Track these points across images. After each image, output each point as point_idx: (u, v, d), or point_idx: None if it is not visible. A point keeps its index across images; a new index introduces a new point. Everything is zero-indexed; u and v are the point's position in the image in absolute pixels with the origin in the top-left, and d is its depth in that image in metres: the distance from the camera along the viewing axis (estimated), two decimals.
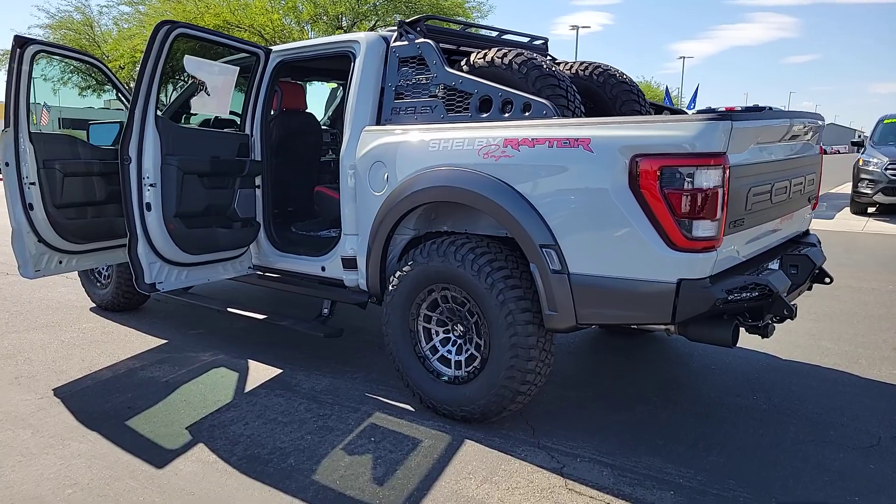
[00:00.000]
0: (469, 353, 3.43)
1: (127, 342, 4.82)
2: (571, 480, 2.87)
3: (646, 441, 3.24)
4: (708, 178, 2.65)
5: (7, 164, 4.09)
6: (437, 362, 3.54)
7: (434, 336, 3.57)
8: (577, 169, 2.93)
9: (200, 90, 3.95)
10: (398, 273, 3.56)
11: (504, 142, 3.16)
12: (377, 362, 4.38)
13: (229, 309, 4.63)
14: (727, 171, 2.67)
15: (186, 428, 3.39)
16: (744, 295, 2.82)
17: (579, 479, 2.88)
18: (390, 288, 3.61)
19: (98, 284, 5.65)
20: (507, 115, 3.35)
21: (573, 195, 2.95)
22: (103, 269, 5.57)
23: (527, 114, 3.29)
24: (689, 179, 2.67)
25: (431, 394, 3.49)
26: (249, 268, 4.66)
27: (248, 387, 3.97)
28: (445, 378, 3.46)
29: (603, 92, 4.18)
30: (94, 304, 5.77)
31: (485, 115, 3.43)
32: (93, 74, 23.27)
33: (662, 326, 3.01)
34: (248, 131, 4.43)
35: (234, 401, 3.75)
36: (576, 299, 2.98)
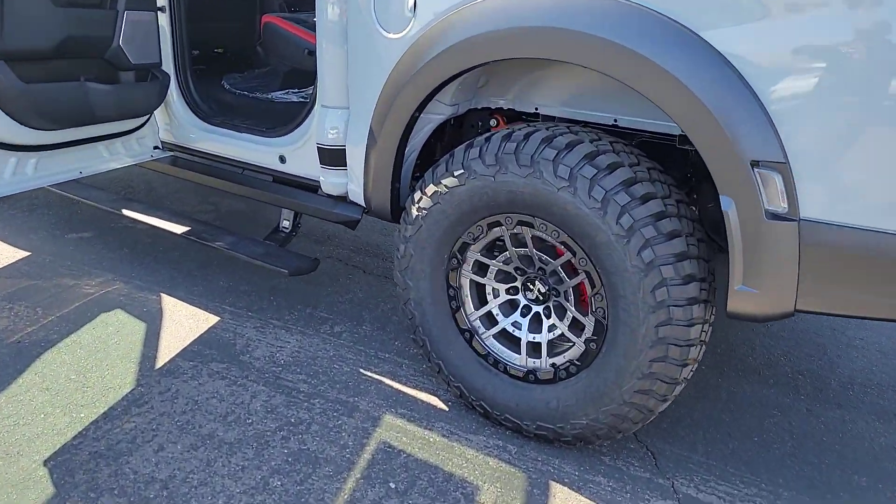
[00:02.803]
0: (556, 331, 2.06)
1: None
2: None
3: (839, 483, 2.06)
4: None
5: None
6: (495, 341, 2.16)
7: (491, 297, 2.16)
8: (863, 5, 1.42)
9: None
10: (432, 189, 2.05)
11: None
12: (368, 302, 2.96)
13: (126, 211, 3.02)
14: None
15: (45, 462, 1.95)
16: None
17: None
18: (413, 211, 2.11)
19: None
20: None
21: (838, 63, 1.47)
22: None
23: None
24: None
25: (484, 394, 2.14)
26: (156, 148, 2.99)
27: (163, 354, 2.50)
28: (511, 370, 2.11)
29: None
30: None
31: None
32: None
33: None
34: None
35: (137, 388, 2.30)
36: (804, 268, 1.60)
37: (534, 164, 1.82)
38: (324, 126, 2.39)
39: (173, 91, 2.89)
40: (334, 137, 2.38)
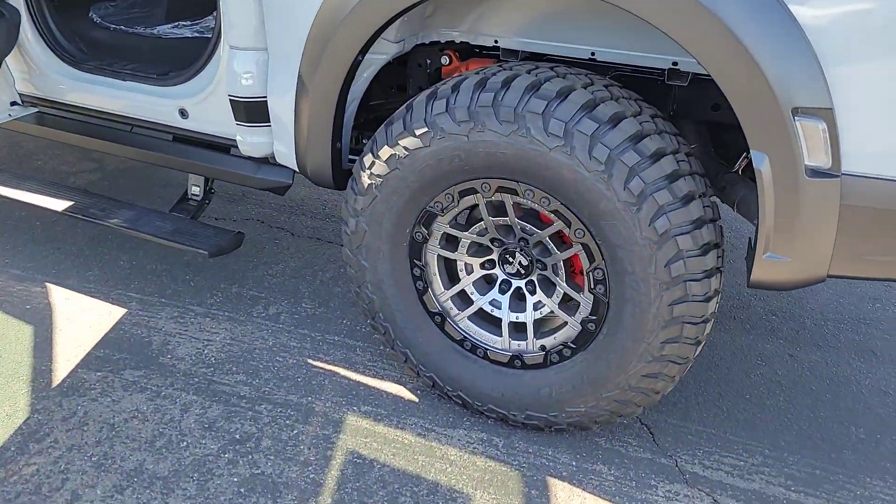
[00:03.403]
0: (543, 309, 1.79)
1: None
2: None
3: (838, 438, 1.97)
4: None
5: None
6: (472, 323, 1.87)
7: (464, 273, 1.85)
8: None
9: None
10: (388, 152, 1.67)
11: None
12: (304, 272, 2.58)
13: None
14: None
15: None
16: None
17: None
18: (365, 179, 1.73)
19: None
20: None
21: None
22: None
23: None
24: None
25: (462, 383, 1.87)
26: (14, 105, 2.40)
27: (61, 366, 2.06)
28: (492, 355, 1.84)
29: None
30: None
31: None
32: None
33: None
34: None
35: (33, 416, 1.86)
36: (842, 229, 1.39)
37: (518, 118, 1.49)
38: (234, 72, 1.93)
39: (27, 29, 2.29)
40: (250, 86, 1.93)
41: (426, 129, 1.59)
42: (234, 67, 1.92)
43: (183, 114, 2.15)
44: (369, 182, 1.72)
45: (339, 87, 1.72)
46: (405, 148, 1.63)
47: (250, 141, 2.03)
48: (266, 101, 1.92)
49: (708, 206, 1.53)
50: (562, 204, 1.55)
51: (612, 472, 1.79)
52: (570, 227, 1.58)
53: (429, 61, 1.99)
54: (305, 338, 2.24)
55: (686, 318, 1.53)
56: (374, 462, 1.78)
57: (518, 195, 1.60)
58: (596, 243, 1.56)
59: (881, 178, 1.33)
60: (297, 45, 1.75)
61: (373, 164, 1.70)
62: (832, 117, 1.30)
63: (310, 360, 2.14)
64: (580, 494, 1.71)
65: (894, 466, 1.86)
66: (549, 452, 1.84)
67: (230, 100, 1.96)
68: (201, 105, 2.10)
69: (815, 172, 1.34)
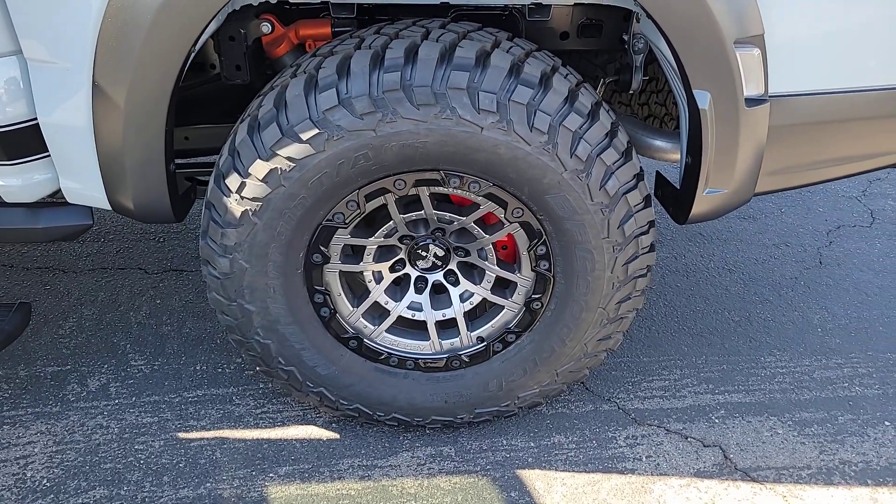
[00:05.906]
0: (474, 299, 1.60)
1: None
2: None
3: (721, 328, 2.17)
4: None
5: None
6: (392, 335, 1.62)
7: (373, 283, 1.57)
8: None
9: None
10: (264, 168, 1.29)
11: None
12: (108, 319, 2.03)
13: None
14: None
15: None
16: None
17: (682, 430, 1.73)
18: (234, 207, 1.34)
19: None
20: None
21: None
22: None
23: None
24: None
25: (396, 404, 1.65)
26: None
27: None
28: (425, 363, 1.63)
29: None
30: None
31: None
32: None
33: None
34: None
35: None
36: (768, 151, 1.43)
37: (439, 98, 1.23)
38: None
39: None
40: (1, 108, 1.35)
41: (316, 131, 1.25)
42: None
43: None
44: (242, 209, 1.33)
45: (170, 90, 1.27)
46: (289, 158, 1.28)
47: (14, 184, 1.44)
48: (37, 126, 1.36)
49: (635, 152, 1.46)
50: (495, 185, 1.36)
51: (571, 438, 1.76)
52: (507, 209, 1.41)
53: (243, 31, 1.57)
54: (158, 406, 1.79)
55: (638, 272, 1.49)
56: None
57: (441, 185, 1.37)
58: (537, 218, 1.42)
59: (801, 94, 1.38)
60: (81, 40, 1.23)
61: (243, 186, 1.31)
62: (763, 43, 1.29)
63: (181, 435, 1.72)
64: (556, 477, 1.66)
65: (772, 339, 2.12)
66: (504, 442, 1.74)
67: None
68: None
69: (751, 101, 1.34)
